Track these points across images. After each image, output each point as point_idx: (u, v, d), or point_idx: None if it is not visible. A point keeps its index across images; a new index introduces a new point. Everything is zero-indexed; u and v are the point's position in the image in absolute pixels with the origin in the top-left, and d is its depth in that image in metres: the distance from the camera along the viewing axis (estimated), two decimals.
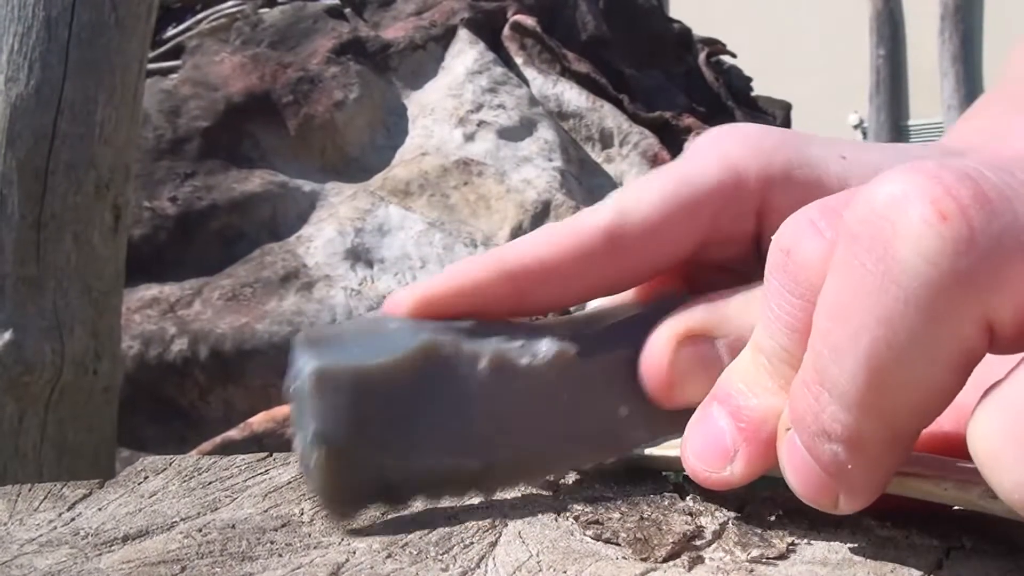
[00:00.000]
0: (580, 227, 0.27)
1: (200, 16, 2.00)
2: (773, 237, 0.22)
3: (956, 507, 0.24)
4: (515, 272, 0.26)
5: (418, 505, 0.25)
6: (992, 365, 0.19)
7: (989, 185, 0.18)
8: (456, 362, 0.25)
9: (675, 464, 0.25)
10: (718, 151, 0.28)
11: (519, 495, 0.27)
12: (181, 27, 1.99)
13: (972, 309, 0.18)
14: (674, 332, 0.26)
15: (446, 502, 0.26)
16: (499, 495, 0.27)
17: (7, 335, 0.85)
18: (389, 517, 0.25)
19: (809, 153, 0.28)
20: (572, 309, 0.30)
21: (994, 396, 0.17)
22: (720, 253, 0.28)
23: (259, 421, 1.31)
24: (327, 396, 0.24)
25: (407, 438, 0.25)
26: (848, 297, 0.19)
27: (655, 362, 0.26)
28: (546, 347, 0.26)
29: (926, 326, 0.18)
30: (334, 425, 0.24)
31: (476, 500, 0.26)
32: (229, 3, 2.00)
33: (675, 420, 0.25)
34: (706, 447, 0.23)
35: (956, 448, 0.21)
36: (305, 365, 0.24)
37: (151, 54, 1.44)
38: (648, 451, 0.28)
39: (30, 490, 0.28)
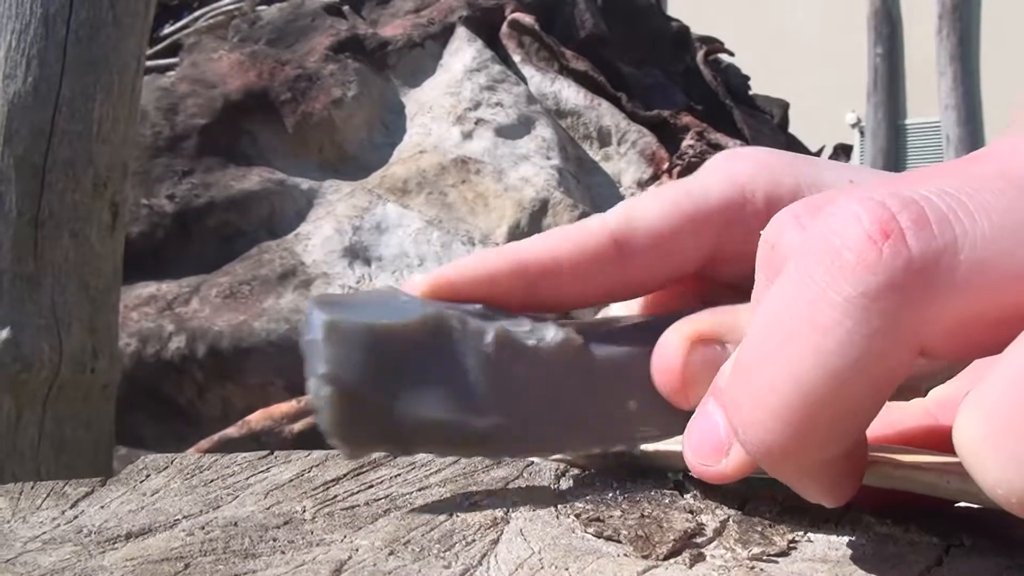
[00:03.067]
0: (589, 229, 0.28)
1: (198, 13, 2.00)
2: (762, 233, 0.22)
3: (958, 503, 0.24)
4: (526, 266, 0.27)
5: (424, 455, 0.27)
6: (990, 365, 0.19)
7: (933, 210, 0.19)
8: (462, 335, 0.26)
9: (677, 461, 0.26)
10: (726, 171, 0.28)
11: (520, 491, 0.27)
12: (179, 24, 1.99)
13: (905, 324, 0.19)
14: (686, 334, 0.26)
15: (452, 457, 0.27)
16: (505, 486, 0.27)
17: (5, 332, 0.84)
18: (392, 513, 0.25)
19: (818, 176, 0.28)
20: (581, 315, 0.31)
21: (975, 396, 0.18)
22: (733, 271, 0.28)
23: (257, 419, 1.31)
24: (337, 345, 0.25)
25: (414, 391, 0.26)
26: (787, 304, 0.20)
27: (667, 363, 0.26)
28: (552, 333, 0.27)
29: (858, 335, 0.19)
30: (342, 370, 0.25)
31: (483, 462, 0.27)
32: (227, 0, 2.00)
33: (687, 418, 0.25)
34: (702, 441, 0.24)
35: None
36: (317, 318, 0.25)
37: (149, 51, 1.44)
38: (650, 448, 0.28)
39: (32, 488, 0.29)
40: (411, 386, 0.25)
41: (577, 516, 0.25)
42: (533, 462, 0.29)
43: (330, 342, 0.25)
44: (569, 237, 0.28)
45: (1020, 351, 0.17)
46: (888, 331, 0.19)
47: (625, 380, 0.26)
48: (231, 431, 1.30)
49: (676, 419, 0.26)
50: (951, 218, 0.19)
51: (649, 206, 0.28)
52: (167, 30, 1.98)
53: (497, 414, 0.26)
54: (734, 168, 0.28)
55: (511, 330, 0.26)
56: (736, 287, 0.28)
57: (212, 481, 0.29)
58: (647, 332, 0.27)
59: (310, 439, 1.29)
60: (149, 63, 1.54)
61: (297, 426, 1.31)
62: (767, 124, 2.17)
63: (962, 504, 0.24)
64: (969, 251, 0.19)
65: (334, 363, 0.25)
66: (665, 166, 1.77)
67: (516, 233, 1.60)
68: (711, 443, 0.23)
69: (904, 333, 0.19)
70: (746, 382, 0.21)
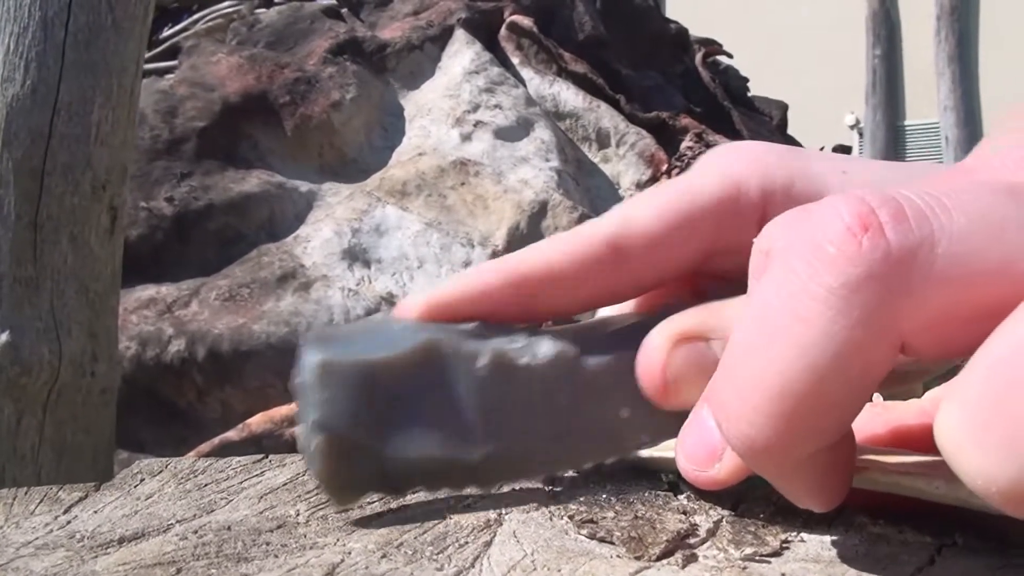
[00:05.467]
0: (585, 236, 0.28)
1: (197, 16, 2.00)
2: (754, 241, 0.22)
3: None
4: (522, 278, 0.27)
5: (418, 495, 0.26)
6: None
7: (911, 207, 0.20)
8: (456, 360, 0.26)
9: (670, 465, 0.26)
10: (720, 166, 0.29)
11: (513, 493, 0.27)
12: (178, 27, 1.99)
13: (884, 315, 0.19)
14: (668, 333, 0.26)
15: (444, 493, 0.26)
16: (496, 490, 0.27)
17: (4, 336, 0.84)
18: (385, 516, 0.25)
19: (810, 167, 0.28)
20: (580, 318, 0.31)
21: (954, 391, 0.18)
22: (728, 265, 0.28)
23: (257, 422, 1.31)
24: (328, 388, 0.25)
25: (406, 430, 0.25)
26: (771, 299, 0.20)
27: (649, 363, 0.26)
28: (546, 348, 0.26)
29: (839, 326, 0.19)
30: (333, 415, 0.25)
31: (474, 492, 0.27)
32: (226, 4, 2.00)
33: (678, 422, 0.25)
34: (696, 446, 0.24)
35: None
36: (310, 359, 0.25)
37: (148, 55, 1.44)
38: (644, 452, 0.28)
39: (26, 494, 0.29)
40: (403, 423, 0.25)
41: (570, 517, 0.25)
42: None
43: (322, 384, 0.25)
44: (565, 245, 0.28)
45: (994, 344, 0.18)
46: (868, 322, 0.19)
47: (617, 388, 0.26)
48: (231, 434, 1.30)
49: (669, 424, 0.26)
50: (928, 214, 0.19)
51: (645, 209, 0.28)
52: (166, 33, 1.99)
53: (489, 443, 0.26)
54: (727, 163, 0.28)
55: (505, 349, 0.26)
56: (734, 280, 0.28)
57: (206, 485, 0.29)
58: (639, 334, 0.26)
59: None
60: (148, 66, 1.55)
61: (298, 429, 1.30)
62: (766, 126, 2.17)
63: None
64: (946, 246, 0.19)
65: (325, 408, 0.25)
66: (664, 168, 1.77)
67: (515, 235, 1.60)
68: (705, 448, 0.23)
69: (884, 325, 0.19)
70: (731, 377, 0.21)
